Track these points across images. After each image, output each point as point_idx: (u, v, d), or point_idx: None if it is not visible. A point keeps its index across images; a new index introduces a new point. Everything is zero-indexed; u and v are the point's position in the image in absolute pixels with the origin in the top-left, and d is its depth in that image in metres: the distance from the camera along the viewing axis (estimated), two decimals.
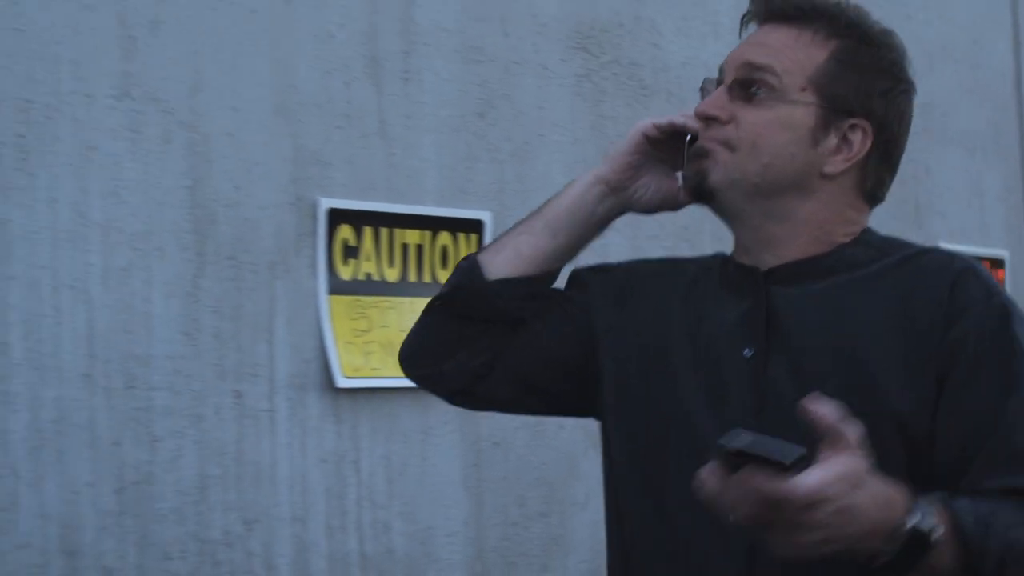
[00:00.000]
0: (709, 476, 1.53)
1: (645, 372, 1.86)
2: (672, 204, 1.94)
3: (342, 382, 3.09)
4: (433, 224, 3.33)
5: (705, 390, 1.81)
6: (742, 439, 1.48)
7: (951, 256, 1.82)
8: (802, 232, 1.83)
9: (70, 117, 2.74)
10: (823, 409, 1.53)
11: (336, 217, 3.12)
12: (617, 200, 1.93)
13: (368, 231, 3.19)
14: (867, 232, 1.86)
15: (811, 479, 1.49)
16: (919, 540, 1.57)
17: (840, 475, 1.50)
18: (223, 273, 2.93)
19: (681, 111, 1.88)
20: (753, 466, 1.48)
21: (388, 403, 3.20)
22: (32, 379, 2.66)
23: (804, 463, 1.48)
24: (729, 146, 1.81)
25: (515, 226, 1.98)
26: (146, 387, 2.81)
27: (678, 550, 1.80)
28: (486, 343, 1.96)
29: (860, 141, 1.82)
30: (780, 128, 1.80)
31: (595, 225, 1.95)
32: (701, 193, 1.84)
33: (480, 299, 1.93)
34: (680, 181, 1.91)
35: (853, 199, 1.85)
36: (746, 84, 1.81)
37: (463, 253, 3.31)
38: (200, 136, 2.92)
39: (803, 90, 1.80)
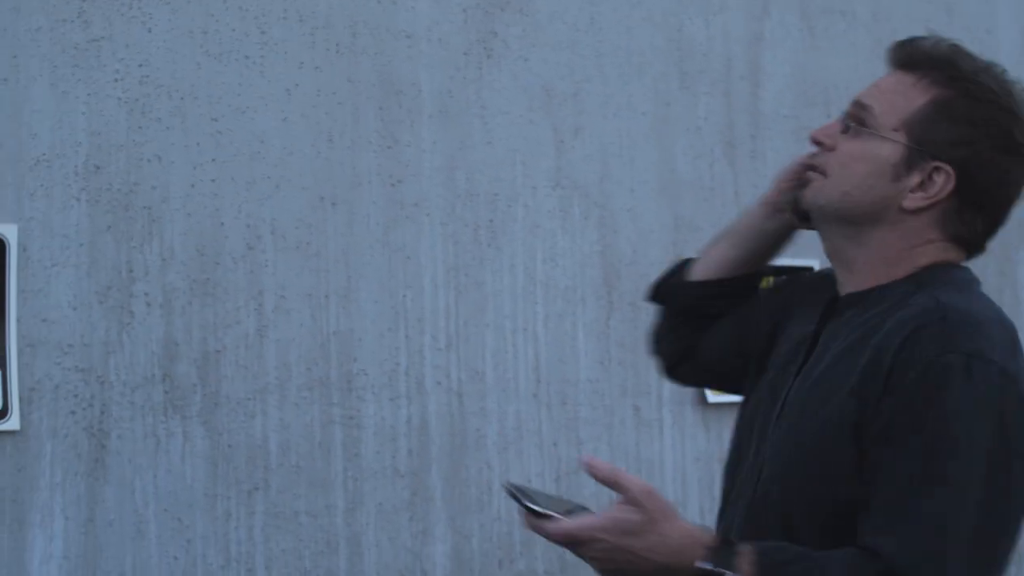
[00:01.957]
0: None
1: (768, 373, 2.07)
2: None
3: (711, 398, 3.99)
4: (772, 271, 4.21)
5: (761, 393, 2.04)
6: (523, 487, 1.83)
7: (933, 305, 1.83)
8: (875, 258, 1.93)
9: (522, 204, 3.71)
10: (601, 466, 1.78)
11: None
12: (782, 219, 2.13)
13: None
14: (931, 268, 1.92)
15: (570, 523, 1.77)
16: None
17: (607, 525, 1.75)
18: (626, 316, 3.86)
19: None
20: (524, 509, 1.81)
21: None
22: (500, 398, 3.63)
23: (572, 514, 1.78)
24: (823, 172, 1.97)
25: (716, 236, 2.28)
26: (574, 403, 3.76)
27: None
28: (687, 331, 2.26)
29: (942, 184, 1.89)
30: (864, 160, 1.92)
31: (768, 239, 2.17)
32: (798, 215, 2.04)
33: (676, 294, 2.27)
34: None
35: (934, 236, 1.92)
36: (852, 119, 1.95)
37: None
38: (608, 212, 3.86)
39: (895, 130, 1.90)
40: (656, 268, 3.94)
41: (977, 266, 1.99)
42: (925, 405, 1.76)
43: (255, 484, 3.22)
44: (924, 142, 1.89)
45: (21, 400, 2.95)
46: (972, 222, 1.92)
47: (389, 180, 3.47)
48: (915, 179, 1.90)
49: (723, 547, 1.78)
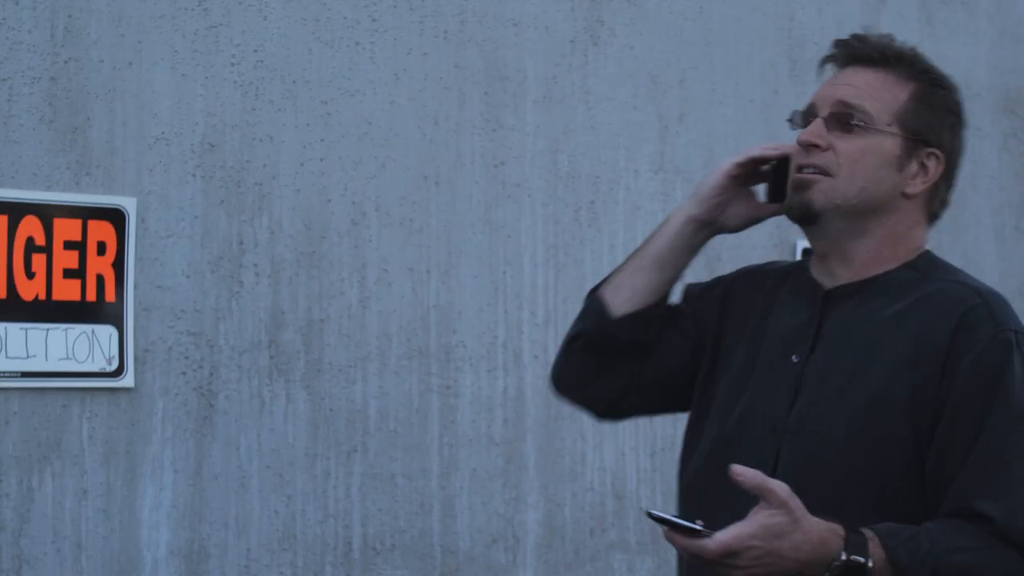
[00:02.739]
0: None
1: (734, 369, 2.14)
2: (754, 221, 2.25)
3: None
4: None
5: (749, 383, 2.10)
6: (665, 512, 1.88)
7: (967, 290, 2.03)
8: (876, 247, 2.08)
9: (623, 187, 3.83)
10: (748, 473, 1.85)
11: (808, 254, 4.10)
12: (710, 230, 2.24)
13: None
14: (924, 256, 2.10)
15: (725, 536, 1.82)
16: (855, 570, 1.87)
17: (756, 531, 1.83)
18: None
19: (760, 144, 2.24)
20: (671, 529, 1.86)
21: None
22: None
23: (712, 529, 1.84)
24: (828, 172, 2.06)
25: (626, 265, 2.25)
26: None
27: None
28: (621, 369, 2.24)
29: (935, 167, 2.09)
30: (872, 155, 2.05)
31: (694, 253, 2.27)
32: (807, 218, 2.08)
33: (611, 337, 2.22)
34: (760, 197, 2.21)
35: (920, 216, 2.10)
36: (842, 118, 2.06)
37: None
38: None
39: (890, 124, 2.06)
40: (758, 253, 4.04)
41: None
42: (994, 381, 1.95)
43: (354, 446, 3.42)
44: (916, 132, 2.08)
45: (136, 360, 3.19)
46: (944, 198, 2.14)
47: (492, 161, 3.64)
48: (914, 167, 2.08)
49: (854, 535, 1.88)
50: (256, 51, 3.37)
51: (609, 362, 2.24)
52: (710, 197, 2.21)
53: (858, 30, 4.14)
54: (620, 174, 3.83)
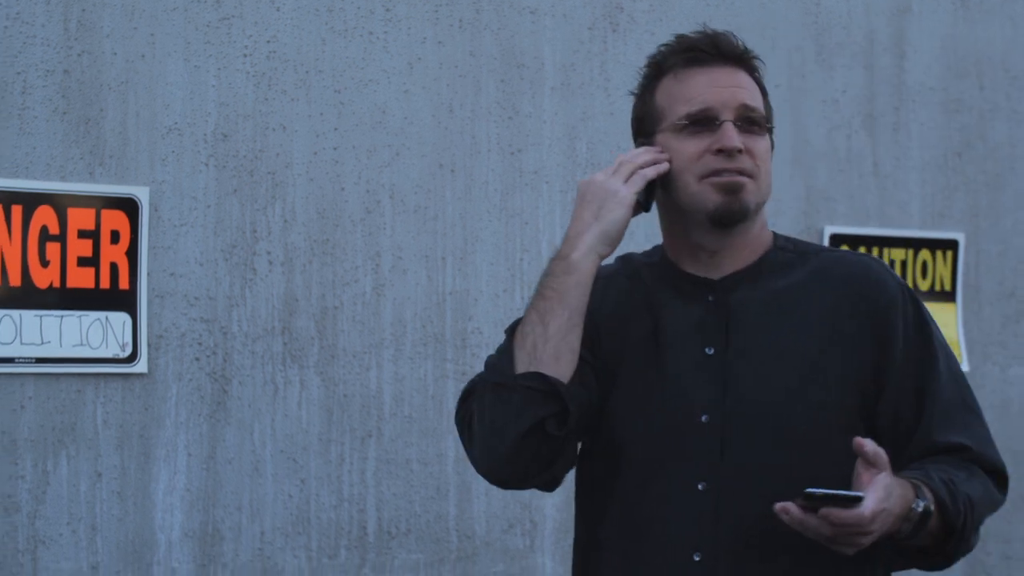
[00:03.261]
0: (791, 510, 1.93)
1: (628, 375, 2.15)
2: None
3: None
4: (916, 244, 4.22)
5: (666, 383, 2.12)
6: (818, 489, 1.95)
7: (853, 255, 2.26)
8: (754, 237, 2.19)
9: None
10: (868, 443, 1.97)
11: (837, 240, 4.07)
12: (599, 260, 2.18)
13: (862, 250, 4.12)
14: (777, 236, 2.24)
15: (870, 504, 1.92)
16: (924, 516, 2.02)
17: (884, 494, 1.95)
18: None
19: (634, 161, 2.18)
20: (831, 505, 1.93)
21: None
22: None
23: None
24: (751, 175, 2.14)
25: (547, 329, 2.09)
26: None
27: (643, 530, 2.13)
28: (575, 430, 2.14)
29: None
30: (768, 155, 2.19)
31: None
32: (740, 220, 2.14)
33: (580, 409, 2.11)
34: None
35: None
36: (750, 121, 2.15)
37: (940, 268, 4.18)
38: None
39: (768, 122, 2.21)
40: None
41: None
42: (920, 327, 2.17)
43: (368, 431, 3.47)
44: (771, 123, 2.23)
45: (149, 346, 3.26)
46: None
47: (509, 149, 3.66)
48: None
49: (915, 482, 2.02)
50: (269, 42, 3.42)
51: (569, 436, 2.13)
52: (620, 235, 2.17)
53: (888, 13, 4.13)
54: None
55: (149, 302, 3.27)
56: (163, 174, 3.30)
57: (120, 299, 3.24)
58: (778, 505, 1.94)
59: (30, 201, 3.16)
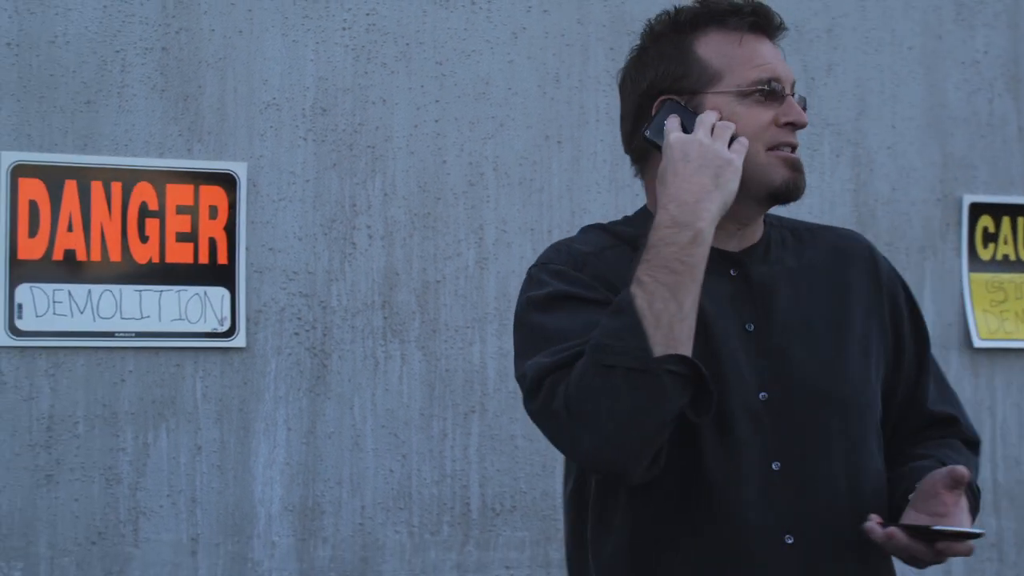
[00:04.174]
0: (896, 536, 1.92)
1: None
2: None
3: (979, 343, 3.84)
4: None
5: (720, 359, 2.00)
6: (947, 527, 1.93)
7: (851, 232, 2.25)
8: (760, 221, 2.15)
9: None
10: (958, 470, 1.95)
11: (977, 210, 3.87)
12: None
13: (1006, 220, 3.90)
14: (767, 215, 2.17)
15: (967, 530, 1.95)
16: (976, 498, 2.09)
17: (968, 522, 1.99)
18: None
19: (720, 124, 2.04)
20: (951, 539, 1.92)
21: (1021, 361, 3.91)
22: None
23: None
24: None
25: (683, 305, 1.92)
26: None
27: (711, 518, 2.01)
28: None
29: None
30: None
31: None
32: (797, 197, 2.11)
33: (714, 390, 1.96)
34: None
35: None
36: (797, 99, 2.13)
37: None
38: (863, 150, 3.79)
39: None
40: (917, 208, 3.84)
41: None
42: (914, 302, 2.24)
43: (471, 407, 3.43)
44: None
45: (248, 321, 3.28)
46: None
47: (618, 119, 3.56)
48: None
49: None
50: (368, 15, 3.40)
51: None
52: (731, 204, 2.02)
53: None
54: None
55: (248, 277, 3.28)
56: (261, 149, 3.31)
57: (219, 274, 3.26)
58: (877, 530, 1.95)
59: (129, 178, 3.21)
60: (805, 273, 2.12)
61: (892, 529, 1.92)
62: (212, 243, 3.26)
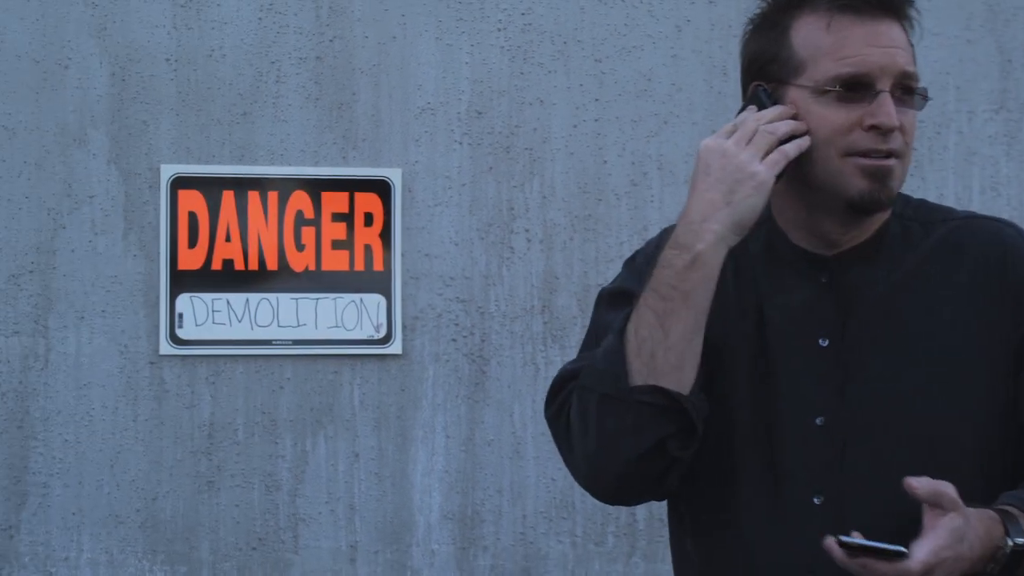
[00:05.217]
0: (833, 549, 1.63)
1: (731, 366, 1.81)
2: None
3: None
4: None
5: (775, 380, 1.79)
6: (852, 539, 1.64)
7: (985, 221, 1.83)
8: (873, 219, 1.83)
9: (955, 130, 3.47)
10: (921, 483, 1.63)
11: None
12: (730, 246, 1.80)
13: None
14: (901, 201, 1.84)
15: (922, 554, 1.61)
16: (1018, 555, 1.67)
17: (946, 540, 1.62)
18: None
19: (775, 132, 1.79)
20: (869, 556, 1.63)
21: None
22: None
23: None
24: (899, 155, 1.79)
25: (667, 334, 1.75)
26: None
27: (746, 547, 1.81)
28: (690, 447, 1.81)
29: None
30: (915, 129, 1.82)
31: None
32: (881, 208, 1.80)
33: (699, 425, 1.78)
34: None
35: None
36: (907, 91, 1.79)
37: None
38: None
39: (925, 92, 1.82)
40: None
41: None
42: None
43: None
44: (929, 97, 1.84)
45: (404, 327, 3.26)
46: None
47: None
48: None
49: (1008, 517, 1.70)
50: (524, 14, 3.34)
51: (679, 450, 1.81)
52: (752, 223, 1.77)
53: None
54: (950, 116, 3.47)
55: (404, 283, 3.27)
56: (416, 155, 3.29)
57: (374, 281, 3.26)
58: (828, 540, 1.65)
59: (285, 187, 3.24)
60: (910, 277, 1.82)
61: (828, 541, 1.66)
62: (368, 250, 3.26)
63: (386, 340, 3.26)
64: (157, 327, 3.20)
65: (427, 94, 3.30)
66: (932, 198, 3.39)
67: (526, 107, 3.33)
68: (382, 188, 3.27)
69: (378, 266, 3.26)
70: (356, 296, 3.26)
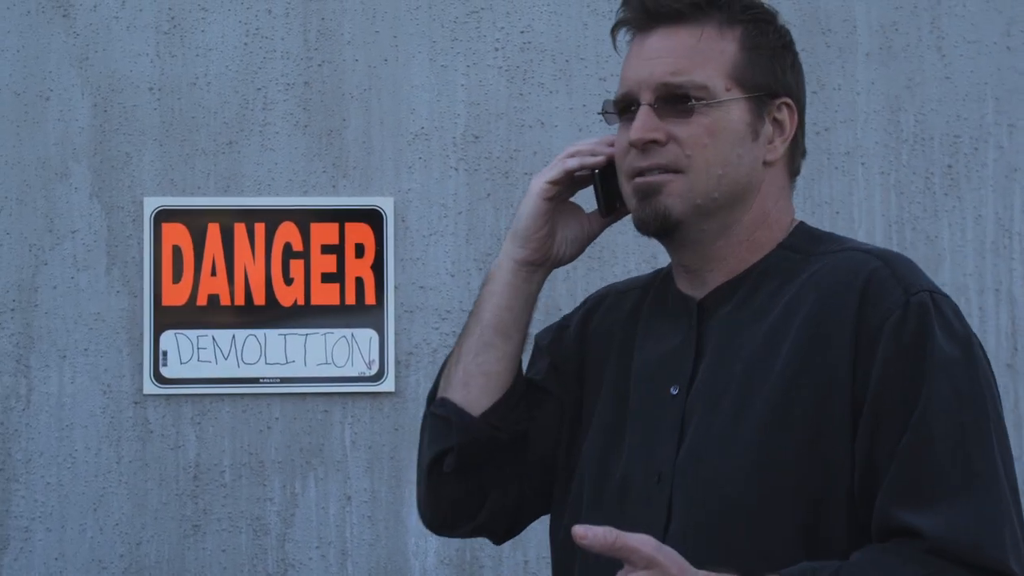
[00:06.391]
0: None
1: (600, 422, 1.75)
2: (590, 240, 1.83)
3: None
4: None
5: (639, 428, 1.70)
6: None
7: (861, 255, 1.66)
8: (745, 238, 1.71)
9: (994, 145, 3.22)
10: (594, 532, 1.46)
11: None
12: (544, 269, 1.81)
13: None
14: (798, 231, 1.73)
15: None
16: None
17: None
18: None
19: (568, 150, 1.79)
20: None
21: None
22: None
23: None
24: (678, 169, 1.68)
25: (460, 348, 1.79)
26: None
27: None
28: (509, 475, 1.79)
29: (789, 118, 1.71)
30: (722, 133, 1.68)
31: (533, 303, 1.83)
32: (666, 229, 1.68)
33: (484, 442, 1.76)
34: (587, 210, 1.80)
35: (784, 181, 1.74)
36: (673, 100, 1.68)
37: None
38: None
39: (729, 89, 1.68)
40: None
41: None
42: (915, 358, 1.58)
43: None
44: (759, 86, 1.69)
45: (398, 363, 3.11)
46: (803, 148, 1.76)
47: (813, 128, 3.18)
48: (768, 128, 1.70)
49: None
50: (523, 32, 3.18)
51: (492, 475, 1.78)
52: (531, 232, 1.78)
53: None
54: (989, 130, 3.22)
55: (397, 317, 3.12)
56: (409, 182, 3.15)
57: (366, 315, 3.12)
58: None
59: (272, 218, 3.12)
60: (760, 320, 1.67)
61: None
62: (359, 283, 3.12)
63: (378, 377, 3.11)
64: (141, 365, 3.09)
65: (421, 118, 3.15)
66: (970, 219, 3.19)
67: (526, 130, 3.16)
68: (373, 218, 3.13)
69: (370, 300, 3.12)
70: (347, 331, 3.11)
